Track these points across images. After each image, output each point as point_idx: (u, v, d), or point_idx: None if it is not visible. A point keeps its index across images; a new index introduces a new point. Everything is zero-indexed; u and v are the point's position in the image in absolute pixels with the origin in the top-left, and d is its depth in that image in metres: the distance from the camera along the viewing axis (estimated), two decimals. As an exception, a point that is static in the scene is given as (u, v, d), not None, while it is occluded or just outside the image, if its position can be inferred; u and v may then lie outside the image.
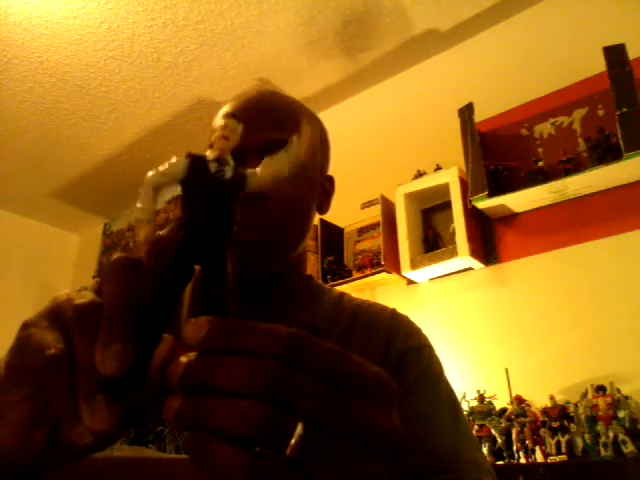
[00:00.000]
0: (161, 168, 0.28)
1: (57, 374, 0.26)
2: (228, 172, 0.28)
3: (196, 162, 0.28)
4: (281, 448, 0.21)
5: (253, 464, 0.21)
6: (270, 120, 0.59)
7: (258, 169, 0.29)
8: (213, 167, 0.28)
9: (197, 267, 0.27)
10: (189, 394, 0.22)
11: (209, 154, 0.28)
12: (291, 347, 0.23)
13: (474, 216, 1.81)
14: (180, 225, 0.27)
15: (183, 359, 0.23)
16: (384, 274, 1.90)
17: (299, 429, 0.21)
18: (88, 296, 0.27)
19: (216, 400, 0.22)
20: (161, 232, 0.28)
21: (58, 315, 0.28)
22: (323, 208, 0.69)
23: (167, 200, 0.28)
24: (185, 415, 0.22)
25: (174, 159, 0.28)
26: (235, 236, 0.28)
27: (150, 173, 0.28)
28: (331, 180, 0.71)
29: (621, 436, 1.23)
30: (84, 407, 0.24)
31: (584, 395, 1.36)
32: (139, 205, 0.28)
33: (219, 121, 0.28)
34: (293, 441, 0.21)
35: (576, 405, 1.36)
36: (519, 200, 1.71)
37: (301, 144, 0.30)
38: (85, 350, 0.25)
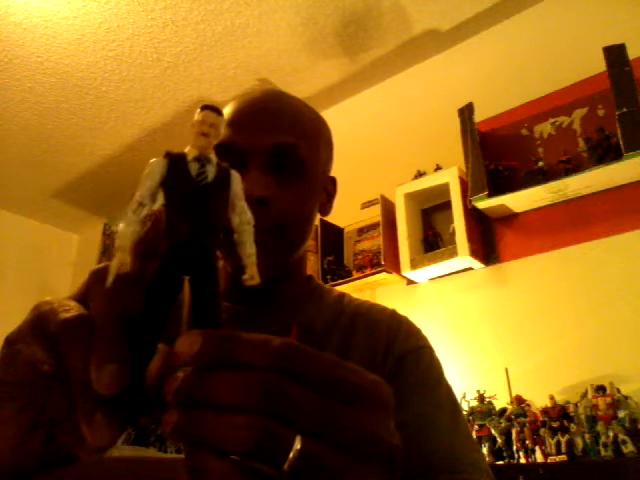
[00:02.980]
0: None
1: (53, 390, 0.26)
2: (211, 172, 0.26)
3: (176, 163, 0.26)
4: (279, 463, 0.21)
5: None
6: (276, 123, 0.58)
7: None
8: (194, 168, 0.26)
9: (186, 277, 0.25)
10: (185, 409, 0.22)
11: (189, 152, 0.26)
12: (285, 358, 0.22)
13: (474, 216, 1.81)
14: (164, 235, 0.25)
15: (179, 374, 0.23)
16: (384, 274, 1.90)
17: (297, 443, 0.21)
18: (73, 308, 0.27)
19: (212, 415, 0.22)
20: (140, 230, 0.26)
21: (43, 328, 0.27)
22: (325, 210, 0.68)
23: (158, 205, 0.26)
24: (182, 430, 0.22)
25: (153, 160, 0.26)
26: (223, 242, 0.26)
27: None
28: (334, 181, 0.70)
29: (621, 436, 1.23)
30: (84, 427, 0.24)
31: (584, 395, 1.36)
32: (119, 231, 0.25)
33: (196, 115, 0.26)
34: (291, 455, 0.21)
35: (576, 405, 1.36)
36: (519, 200, 1.71)
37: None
38: (79, 367, 0.24)
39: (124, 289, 0.26)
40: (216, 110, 0.26)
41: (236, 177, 0.27)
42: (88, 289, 0.28)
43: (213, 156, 0.26)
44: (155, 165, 0.26)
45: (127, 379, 0.24)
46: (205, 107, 0.26)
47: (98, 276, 0.27)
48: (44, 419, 0.28)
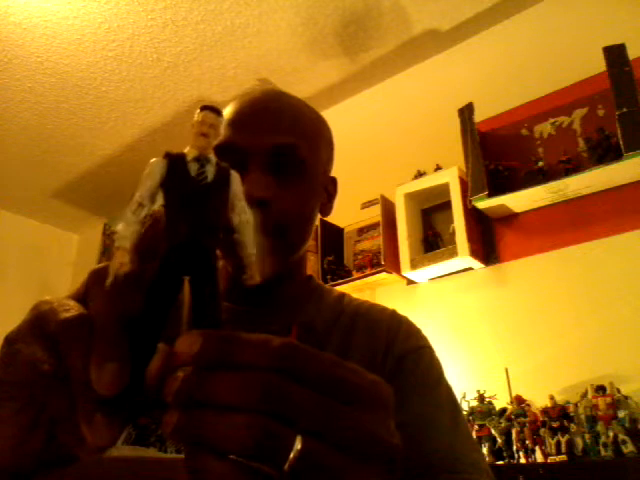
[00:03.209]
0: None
1: (53, 390, 0.26)
2: (210, 172, 0.26)
3: (175, 164, 0.26)
4: (279, 463, 0.21)
5: None
6: (276, 123, 0.58)
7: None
8: (194, 168, 0.26)
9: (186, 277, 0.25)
10: (185, 409, 0.22)
11: (188, 152, 0.26)
12: (285, 358, 0.22)
13: (474, 216, 1.81)
14: (164, 236, 0.25)
15: (179, 374, 0.23)
16: (384, 274, 1.90)
17: (297, 443, 0.21)
18: (73, 307, 0.27)
19: (212, 415, 0.22)
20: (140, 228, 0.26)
21: (43, 327, 0.27)
22: (326, 210, 0.68)
23: (157, 205, 0.26)
24: (182, 431, 0.22)
25: (152, 160, 0.26)
26: (223, 242, 0.26)
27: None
28: (334, 181, 0.70)
29: (621, 436, 1.23)
30: (84, 427, 0.24)
31: (584, 395, 1.36)
32: (119, 231, 0.25)
33: (196, 116, 0.25)
34: (292, 455, 0.21)
35: (576, 405, 1.36)
36: (519, 200, 1.71)
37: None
38: (79, 367, 0.24)
39: (124, 289, 0.26)
40: (216, 110, 0.26)
41: (235, 177, 0.28)
42: (88, 289, 0.28)
43: (213, 156, 0.26)
44: (155, 165, 0.26)
45: (127, 379, 0.24)
46: (205, 107, 0.26)
47: (98, 276, 0.27)
48: (44, 419, 0.28)
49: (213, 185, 0.26)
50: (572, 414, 1.35)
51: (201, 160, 0.26)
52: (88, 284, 0.28)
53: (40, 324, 0.27)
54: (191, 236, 0.25)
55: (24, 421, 0.28)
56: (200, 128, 0.26)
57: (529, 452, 1.36)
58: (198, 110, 0.26)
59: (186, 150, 0.26)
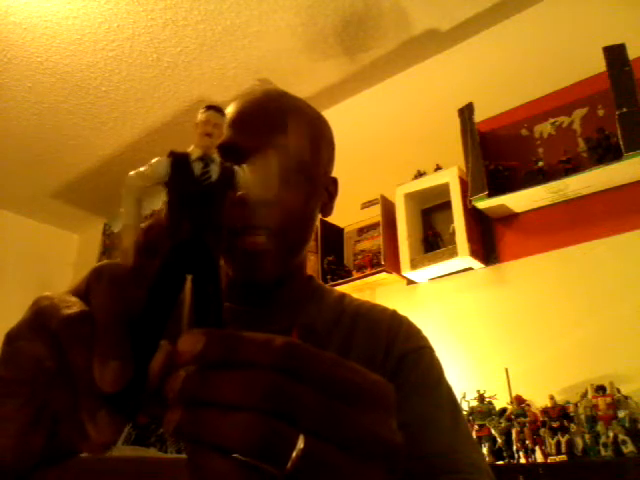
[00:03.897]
0: (142, 169, 0.26)
1: (56, 386, 0.26)
2: (214, 172, 0.26)
3: (179, 163, 0.26)
4: (282, 462, 0.21)
5: (249, 479, 0.21)
6: (277, 124, 0.58)
7: (245, 168, 0.27)
8: (198, 167, 0.26)
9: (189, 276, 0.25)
10: (188, 407, 0.22)
11: (192, 152, 0.26)
12: (288, 357, 0.22)
13: (474, 216, 1.81)
14: (167, 234, 0.26)
15: (181, 373, 0.23)
16: (384, 274, 1.90)
17: (300, 442, 0.21)
18: (75, 304, 0.27)
19: (215, 413, 0.22)
20: (143, 225, 0.26)
21: (43, 324, 0.27)
22: (326, 211, 0.68)
23: (160, 204, 0.27)
24: (184, 429, 0.22)
25: (156, 159, 0.26)
26: (226, 242, 0.26)
27: (131, 174, 0.26)
28: (335, 182, 0.70)
29: (621, 436, 1.23)
30: (88, 424, 0.24)
31: (584, 395, 1.36)
32: (122, 210, 0.26)
33: (199, 116, 0.26)
34: (294, 454, 0.21)
35: (576, 405, 1.36)
36: (519, 200, 1.71)
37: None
38: (82, 364, 0.24)
39: (126, 286, 0.26)
40: (219, 110, 0.26)
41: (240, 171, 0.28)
42: (89, 286, 0.28)
43: (217, 156, 0.27)
44: (158, 164, 0.26)
45: (129, 376, 0.24)
46: (209, 107, 0.26)
47: (99, 273, 0.27)
48: (46, 415, 0.28)
49: (217, 184, 0.26)
50: (572, 414, 1.35)
51: (205, 159, 0.26)
52: (89, 281, 0.28)
53: (41, 321, 0.27)
54: (193, 234, 0.25)
55: (26, 418, 0.28)
56: (204, 128, 0.26)
57: (529, 452, 1.36)
58: (202, 110, 0.26)
59: (190, 149, 0.26)
